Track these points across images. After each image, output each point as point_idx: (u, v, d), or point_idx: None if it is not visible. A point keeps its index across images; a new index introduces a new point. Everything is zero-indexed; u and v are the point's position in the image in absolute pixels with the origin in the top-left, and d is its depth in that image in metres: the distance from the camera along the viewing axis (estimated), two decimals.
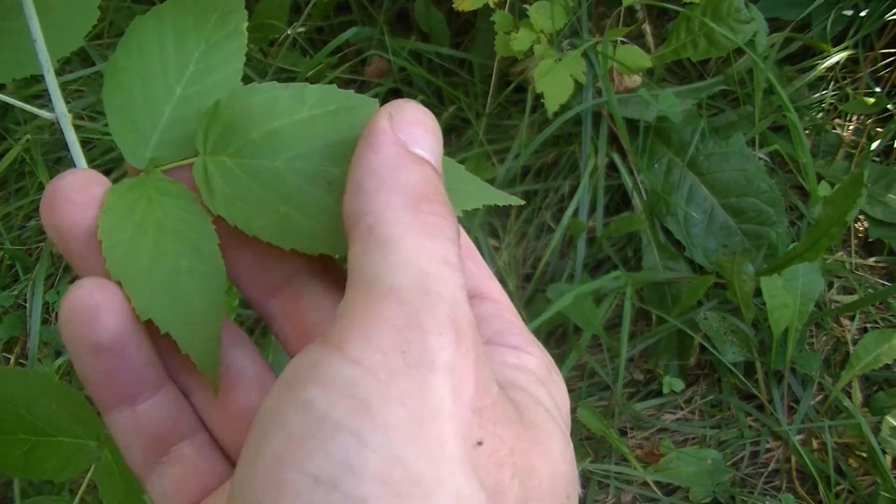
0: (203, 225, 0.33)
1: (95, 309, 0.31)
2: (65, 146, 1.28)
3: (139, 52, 0.35)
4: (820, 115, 1.12)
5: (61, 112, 0.37)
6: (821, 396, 1.06)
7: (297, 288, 0.34)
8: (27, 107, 0.39)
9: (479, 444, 0.25)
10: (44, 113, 0.39)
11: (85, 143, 1.20)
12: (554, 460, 0.28)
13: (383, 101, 0.31)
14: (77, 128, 1.19)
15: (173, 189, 0.33)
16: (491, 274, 0.36)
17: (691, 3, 1.08)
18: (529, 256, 1.11)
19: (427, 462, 0.23)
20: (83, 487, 0.48)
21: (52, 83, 0.37)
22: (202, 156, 0.33)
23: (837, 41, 1.16)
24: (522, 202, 0.35)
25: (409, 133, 0.29)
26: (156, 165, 0.34)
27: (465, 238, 0.34)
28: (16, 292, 1.15)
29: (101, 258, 0.31)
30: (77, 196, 0.32)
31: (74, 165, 0.37)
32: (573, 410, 0.94)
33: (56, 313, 1.13)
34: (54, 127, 1.20)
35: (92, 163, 1.17)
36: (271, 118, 0.33)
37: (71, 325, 0.31)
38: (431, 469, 0.23)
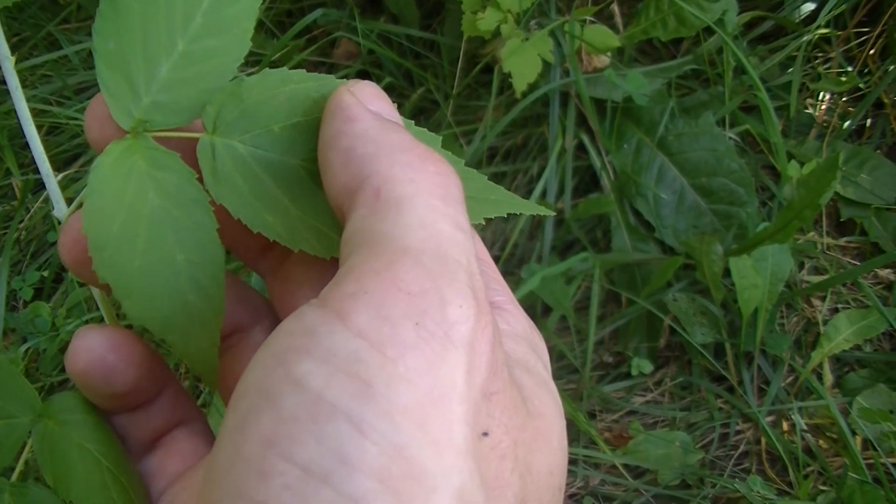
0: (201, 208, 0.30)
1: (110, 371, 0.30)
2: (20, 126, 1.27)
3: None
4: (790, 94, 1.11)
5: (3, 54, 0.33)
6: (791, 378, 1.05)
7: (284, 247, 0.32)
8: None
9: (486, 434, 0.23)
10: None
11: (52, 129, 1.19)
12: (552, 452, 0.27)
13: None
14: (44, 113, 1.18)
15: (167, 161, 0.30)
16: (473, 230, 0.35)
17: None
18: (498, 239, 1.10)
19: (432, 453, 0.21)
20: (19, 465, 0.47)
21: None
22: (210, 134, 0.30)
23: (809, 20, 1.15)
24: (553, 213, 0.34)
25: (377, 106, 0.28)
26: (145, 129, 0.31)
27: None
28: None
29: None
30: None
31: (22, 131, 0.34)
32: None
33: (23, 300, 1.12)
34: None
35: (58, 148, 1.16)
36: (296, 112, 0.30)
37: (83, 378, 0.31)
38: (435, 461, 0.21)
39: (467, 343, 0.23)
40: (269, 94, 0.30)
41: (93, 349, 0.30)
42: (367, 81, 0.29)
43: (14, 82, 0.33)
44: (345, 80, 0.31)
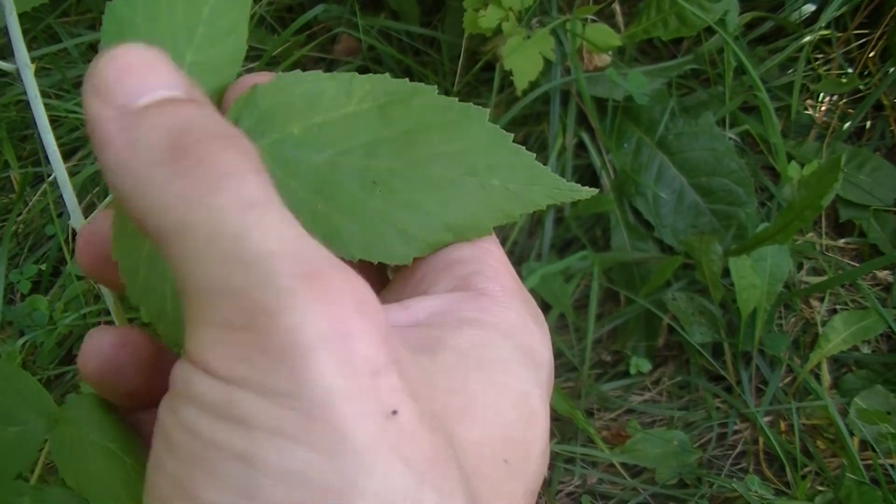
0: None
1: (121, 371, 0.30)
2: (31, 124, 1.27)
3: (144, 4, 0.31)
4: (791, 95, 1.11)
5: (23, 62, 0.33)
6: (789, 378, 1.05)
7: None
8: None
9: (395, 412, 0.21)
10: (2, 64, 0.35)
11: (51, 122, 1.18)
12: (479, 422, 0.26)
13: None
14: (44, 106, 1.18)
15: None
16: None
17: None
18: (497, 236, 1.10)
19: (331, 466, 0.20)
20: (38, 468, 0.46)
21: (15, 29, 0.33)
22: None
23: (810, 22, 1.15)
24: (594, 191, 0.33)
25: (124, 89, 0.23)
26: None
27: None
28: None
29: None
30: None
31: (40, 140, 0.34)
32: None
33: (21, 293, 1.12)
34: (20, 105, 1.19)
35: (57, 141, 1.16)
36: (314, 112, 0.30)
37: (96, 379, 0.30)
38: (336, 474, 0.20)
39: (319, 338, 0.21)
40: (284, 96, 0.30)
41: (102, 350, 0.30)
42: (103, 58, 0.24)
43: (33, 91, 0.33)
44: (354, 74, 0.31)
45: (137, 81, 0.24)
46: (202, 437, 0.21)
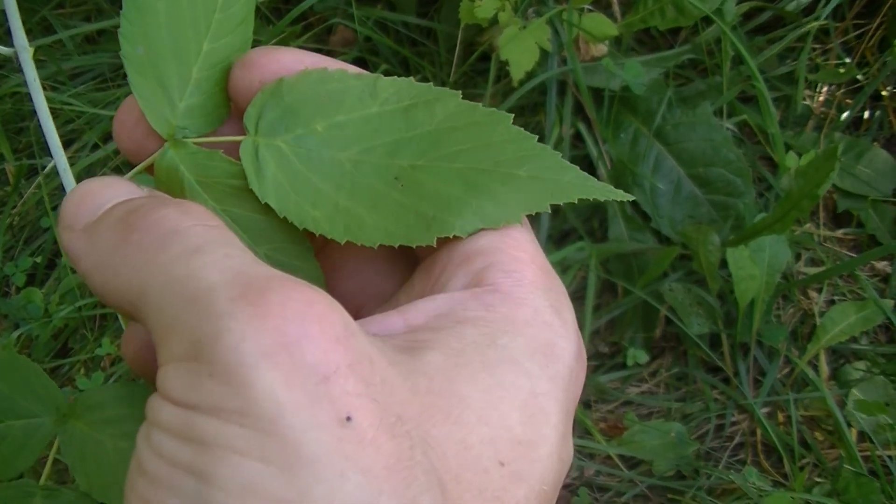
0: (259, 218, 0.31)
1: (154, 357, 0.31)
2: (26, 116, 1.26)
3: None
4: (789, 85, 1.10)
5: (21, 45, 0.33)
6: (787, 369, 1.05)
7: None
8: None
9: (349, 419, 0.21)
10: (1, 48, 0.35)
11: None
12: (462, 425, 0.25)
13: None
14: None
15: (220, 169, 0.31)
16: None
17: None
18: None
19: (284, 478, 0.21)
20: (47, 467, 0.45)
21: (13, 12, 0.33)
22: (253, 136, 0.31)
23: (808, 11, 1.14)
24: (632, 197, 0.32)
25: (83, 213, 0.28)
26: (184, 136, 0.31)
27: None
28: None
29: None
30: None
31: (41, 128, 0.34)
32: None
33: (16, 286, 1.11)
34: (16, 97, 1.18)
35: None
36: (338, 110, 0.31)
37: (136, 364, 0.32)
38: (288, 486, 0.20)
39: (258, 354, 0.21)
40: (309, 93, 0.31)
41: (137, 336, 0.31)
42: (82, 184, 0.29)
43: (32, 74, 0.33)
44: (379, 76, 0.31)
45: (94, 201, 0.28)
46: (166, 458, 0.22)
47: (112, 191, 0.28)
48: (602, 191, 0.31)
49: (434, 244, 0.30)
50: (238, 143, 0.31)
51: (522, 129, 0.31)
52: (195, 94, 0.31)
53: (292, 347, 0.21)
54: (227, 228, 0.26)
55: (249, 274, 0.23)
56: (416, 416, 0.24)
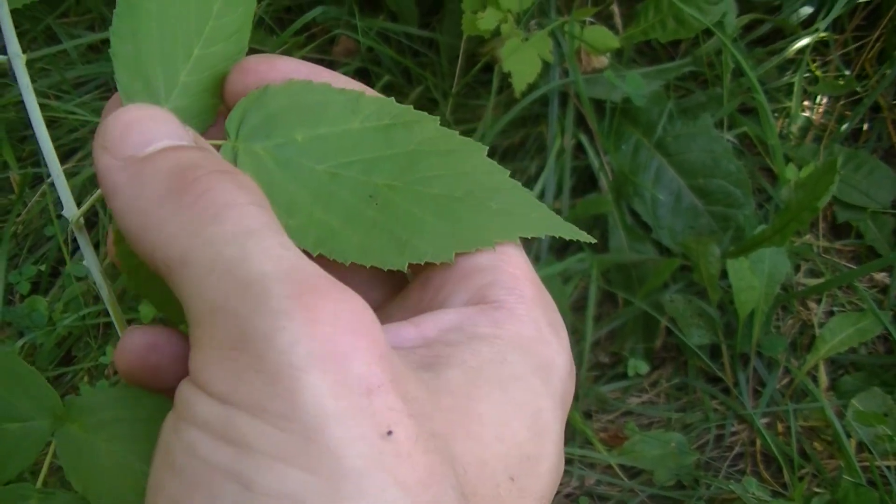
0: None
1: (153, 370, 0.30)
2: (30, 124, 1.27)
3: None
4: (789, 97, 1.11)
5: (14, 52, 0.33)
6: (786, 380, 1.06)
7: None
8: None
9: (390, 433, 0.22)
10: None
11: (50, 123, 1.19)
12: (481, 443, 0.26)
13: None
14: (42, 107, 1.18)
15: None
16: None
17: None
18: None
19: (326, 488, 0.21)
20: (44, 470, 0.45)
21: (6, 19, 0.33)
22: (233, 141, 0.30)
23: (808, 23, 1.15)
24: (594, 240, 0.33)
25: (128, 142, 0.26)
26: None
27: None
28: None
29: None
30: None
31: (35, 133, 0.33)
32: None
33: (20, 294, 1.12)
34: (20, 106, 1.19)
35: (56, 142, 1.16)
36: (320, 123, 0.31)
37: (131, 378, 0.31)
38: (331, 497, 0.20)
39: (310, 357, 0.21)
40: (292, 102, 0.31)
41: (134, 350, 0.30)
42: (108, 118, 0.26)
43: (25, 80, 0.33)
44: (362, 92, 0.31)
45: (142, 134, 0.26)
46: (202, 459, 0.22)
47: (160, 128, 0.26)
48: (567, 230, 0.32)
49: (405, 269, 0.31)
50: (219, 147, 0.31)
51: (494, 161, 0.32)
52: (181, 97, 0.31)
53: (342, 358, 0.22)
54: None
55: (304, 271, 0.23)
56: (444, 432, 0.24)
